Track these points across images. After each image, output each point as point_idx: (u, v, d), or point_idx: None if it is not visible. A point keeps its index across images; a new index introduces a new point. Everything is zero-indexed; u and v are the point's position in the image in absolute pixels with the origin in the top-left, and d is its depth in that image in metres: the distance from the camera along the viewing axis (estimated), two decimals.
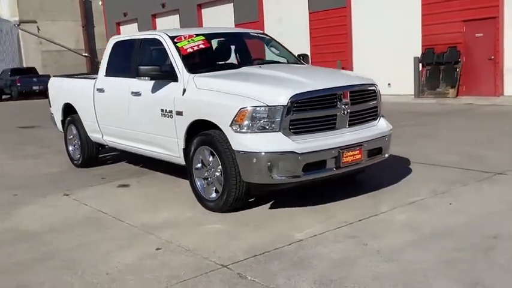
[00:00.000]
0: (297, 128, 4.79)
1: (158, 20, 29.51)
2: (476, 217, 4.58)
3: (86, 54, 36.73)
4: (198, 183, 5.32)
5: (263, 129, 4.72)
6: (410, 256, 3.81)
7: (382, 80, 16.96)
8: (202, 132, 5.15)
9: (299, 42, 20.21)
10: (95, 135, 7.36)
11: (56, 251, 4.40)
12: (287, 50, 6.70)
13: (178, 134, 5.46)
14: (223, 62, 6.19)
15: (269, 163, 4.67)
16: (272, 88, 4.89)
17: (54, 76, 9.21)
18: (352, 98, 5.07)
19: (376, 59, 17.46)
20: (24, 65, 34.27)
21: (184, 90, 5.41)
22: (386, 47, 17.06)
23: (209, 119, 5.05)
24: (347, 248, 4.03)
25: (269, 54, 6.81)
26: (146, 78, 5.65)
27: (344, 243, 4.15)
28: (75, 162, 7.99)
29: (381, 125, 5.43)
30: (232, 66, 5.81)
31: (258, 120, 4.70)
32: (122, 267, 3.94)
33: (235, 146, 4.78)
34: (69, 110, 7.93)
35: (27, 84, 29.40)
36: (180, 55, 5.69)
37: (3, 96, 29.70)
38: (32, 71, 31.42)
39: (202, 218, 5.02)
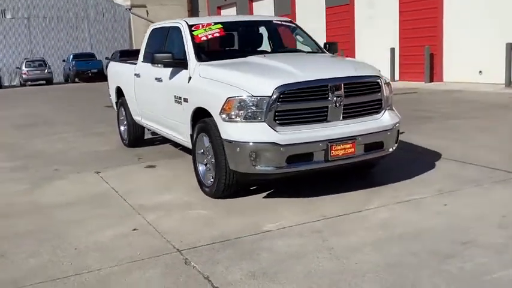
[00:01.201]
0: (283, 119, 4.77)
1: (255, 4, 29.87)
2: (461, 221, 4.30)
3: None
4: (200, 169, 5.49)
5: (249, 119, 4.76)
6: (361, 256, 3.71)
7: (472, 67, 16.21)
8: (201, 120, 5.30)
9: (386, 27, 19.57)
10: (136, 118, 7.79)
11: (51, 225, 4.80)
12: (311, 38, 6.60)
13: (186, 119, 5.65)
14: (232, 51, 6.25)
15: (252, 153, 4.71)
16: (259, 78, 4.90)
17: (111, 60, 9.78)
18: (347, 90, 4.94)
19: (467, 44, 16.41)
20: (134, 47, 36.40)
21: (189, 78, 5.58)
22: (479, 32, 15.94)
23: (205, 107, 5.18)
24: (304, 243, 4.00)
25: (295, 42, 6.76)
26: (160, 65, 5.88)
27: (305, 237, 4.12)
28: (124, 141, 8.52)
29: (384, 119, 5.22)
30: (239, 55, 5.84)
31: (244, 110, 4.76)
32: (91, 244, 4.23)
33: (223, 135, 4.88)
34: (120, 93, 8.43)
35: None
36: (193, 43, 5.86)
37: None
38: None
39: (194, 203, 5.19)
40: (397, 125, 5.32)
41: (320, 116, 4.88)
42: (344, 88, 4.91)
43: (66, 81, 33.51)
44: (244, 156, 4.75)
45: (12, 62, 34.86)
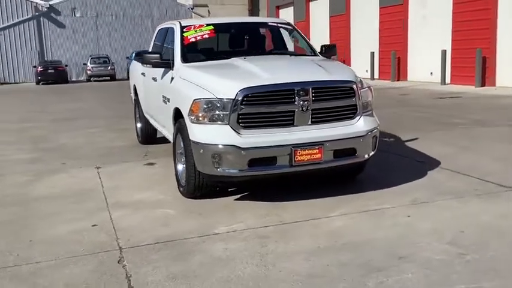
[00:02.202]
0: (247, 122, 4.76)
1: (312, 4, 29.68)
2: (414, 234, 4.13)
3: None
4: (179, 168, 5.57)
5: (214, 121, 4.80)
6: (289, 264, 3.65)
7: None
8: (178, 120, 5.38)
9: (439, 28, 18.91)
10: (146, 115, 8.00)
11: (26, 216, 5.04)
12: (306, 40, 6.52)
13: (170, 119, 5.76)
14: (219, 52, 6.27)
15: (214, 155, 4.74)
16: (225, 81, 4.91)
17: (134, 59, 10.06)
18: (316, 94, 4.85)
19: None
20: None
21: (172, 79, 5.68)
22: None
23: (179, 108, 5.26)
24: (242, 248, 3.99)
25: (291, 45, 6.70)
26: (149, 65, 6.02)
27: (247, 242, 4.10)
28: (138, 138, 8.77)
29: (359, 125, 5.08)
30: (224, 57, 5.85)
31: (209, 112, 4.79)
32: (47, 237, 4.41)
33: (190, 136, 4.95)
34: (136, 91, 8.68)
35: None
36: (181, 44, 5.95)
37: None
38: None
39: (166, 202, 5.28)
40: (374, 131, 5.17)
41: (286, 120, 4.83)
42: (313, 92, 4.83)
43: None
44: (208, 158, 4.78)
45: (79, 58, 36.56)
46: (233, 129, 4.73)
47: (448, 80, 18.60)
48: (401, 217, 4.55)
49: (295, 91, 4.78)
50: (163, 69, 6.12)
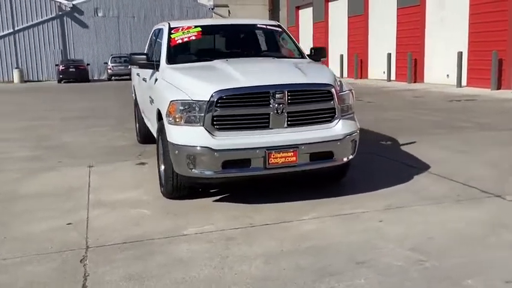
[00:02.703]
0: (222, 124, 4.78)
1: (331, 4, 29.53)
2: (380, 239, 4.09)
3: None
4: (161, 169, 5.61)
5: (189, 123, 4.82)
6: (247, 267, 3.65)
7: None
8: (160, 121, 5.43)
9: (456, 30, 18.64)
10: (142, 115, 8.07)
11: (8, 213, 5.13)
12: (294, 43, 6.50)
13: (154, 120, 5.81)
14: (203, 54, 6.27)
15: (188, 156, 4.77)
16: (200, 83, 4.93)
17: None
18: (292, 97, 4.83)
19: None
20: None
21: (156, 80, 5.73)
22: None
23: (160, 109, 5.30)
24: (206, 250, 4.00)
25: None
26: (136, 66, 6.08)
27: (212, 244, 4.11)
28: (138, 138, 8.86)
29: (336, 128, 5.04)
30: (207, 59, 5.86)
31: (185, 114, 4.82)
32: (21, 234, 4.49)
33: (167, 137, 4.98)
34: (135, 91, 8.78)
35: None
36: (167, 46, 6.00)
37: None
38: None
39: (146, 202, 5.32)
40: (353, 134, 5.13)
41: (261, 123, 4.82)
42: (288, 95, 4.81)
43: None
44: (183, 159, 4.81)
45: (101, 57, 37.06)
46: (208, 131, 4.75)
47: (464, 82, 18.32)
48: (373, 222, 4.50)
49: (270, 94, 4.77)
50: (151, 70, 6.18)
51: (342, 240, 4.11)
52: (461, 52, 18.12)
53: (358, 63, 25.77)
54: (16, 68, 35.00)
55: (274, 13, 38.55)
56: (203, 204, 5.19)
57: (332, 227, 4.42)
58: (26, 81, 35.28)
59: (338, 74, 27.45)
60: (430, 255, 3.75)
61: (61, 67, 32.89)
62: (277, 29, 6.78)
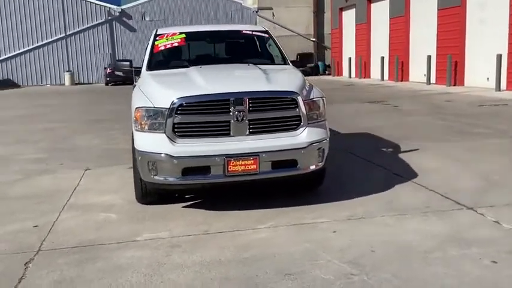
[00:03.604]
0: (183, 131, 4.82)
1: (373, 5, 29.03)
2: (322, 250, 4.01)
3: (314, 39, 38.17)
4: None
5: (152, 130, 4.89)
6: (176, 276, 3.67)
7: None
8: None
9: (496, 32, 17.95)
10: None
11: None
12: (279, 49, 6.47)
13: None
14: (183, 61, 6.32)
15: (149, 163, 4.84)
16: (164, 90, 4.99)
17: None
18: (253, 105, 4.82)
19: None
20: None
21: (134, 86, 5.84)
22: None
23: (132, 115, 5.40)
24: (147, 256, 4.04)
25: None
26: (120, 72, 6.21)
27: (156, 251, 4.15)
28: None
29: (301, 136, 4.98)
30: (185, 66, 5.90)
31: (148, 120, 4.90)
32: None
33: (134, 143, 5.07)
34: None
35: None
36: (150, 52, 6.11)
37: None
38: None
39: (118, 206, 5.43)
40: (320, 142, 5.04)
41: (222, 130, 4.83)
42: (249, 103, 4.80)
43: None
44: (144, 166, 4.89)
45: None
46: (169, 138, 4.80)
47: (503, 86, 17.60)
48: (327, 232, 4.43)
49: (230, 101, 4.77)
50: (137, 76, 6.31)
51: (285, 250, 4.06)
52: (501, 55, 17.41)
53: (398, 65, 25.20)
54: (67, 71, 36.31)
55: (318, 15, 38.25)
56: (171, 210, 5.24)
57: (282, 237, 4.38)
58: (76, 84, 36.54)
59: (378, 77, 26.97)
60: (364, 269, 3.65)
61: (108, 70, 33.85)
62: (263, 35, 6.76)
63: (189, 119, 4.81)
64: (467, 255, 3.82)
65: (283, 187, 5.71)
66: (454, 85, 20.69)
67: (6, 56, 35.95)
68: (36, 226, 4.89)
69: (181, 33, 6.35)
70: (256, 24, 38.04)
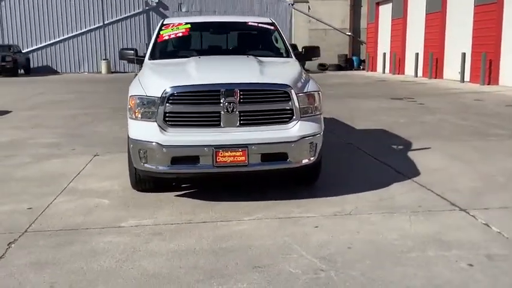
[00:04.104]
0: (173, 120, 4.85)
1: (410, 0, 28.46)
2: (296, 245, 3.96)
3: (350, 34, 37.71)
4: None
5: (145, 118, 4.94)
6: (147, 263, 3.70)
7: None
8: None
9: None
10: None
11: None
12: (283, 42, 6.42)
13: None
14: (185, 51, 6.32)
15: (140, 151, 4.89)
16: (158, 79, 5.03)
17: None
18: (244, 96, 4.80)
19: None
20: (293, 42, 37.22)
21: (135, 75, 5.90)
22: None
23: None
24: (125, 242, 4.09)
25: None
26: (125, 61, 6.29)
27: (136, 238, 4.20)
28: None
29: (293, 129, 4.93)
30: (186, 56, 5.92)
31: (141, 109, 4.95)
32: None
33: (128, 131, 5.13)
34: None
35: None
36: (154, 41, 6.17)
37: None
38: (294, 47, 34.24)
39: (114, 192, 5.51)
40: (312, 136, 4.98)
41: (212, 121, 4.84)
42: (240, 94, 4.79)
43: None
44: (135, 153, 4.94)
45: None
46: (160, 127, 4.83)
47: None
48: (308, 227, 4.39)
49: (221, 92, 4.76)
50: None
51: (262, 243, 4.05)
52: None
53: (432, 62, 24.66)
54: (104, 59, 36.97)
55: (355, 9, 37.73)
56: (163, 198, 5.29)
57: (264, 229, 4.36)
58: (112, 72, 37.16)
59: (412, 73, 26.47)
60: (334, 265, 3.61)
61: None
62: (269, 27, 6.72)
63: (180, 109, 4.83)
64: (444, 257, 3.72)
65: (279, 180, 5.68)
66: (488, 84, 20.13)
67: (47, 43, 36.82)
68: (30, 208, 5.01)
69: (186, 23, 6.37)
70: (291, 17, 37.90)
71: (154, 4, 37.68)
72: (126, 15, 37.53)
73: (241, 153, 4.78)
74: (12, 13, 36.47)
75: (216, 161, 4.77)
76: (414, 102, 14.45)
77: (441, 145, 7.87)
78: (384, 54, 30.98)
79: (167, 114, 4.82)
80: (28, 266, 3.67)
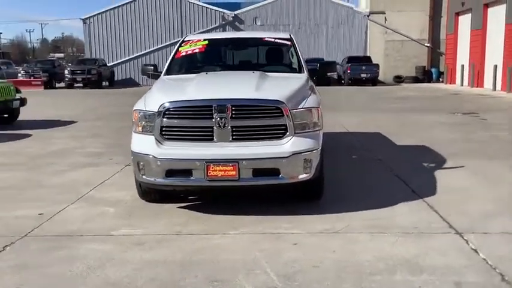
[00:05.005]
0: (169, 134, 5.02)
1: (490, 10, 27.19)
2: (265, 261, 3.97)
3: (428, 45, 36.57)
4: None
5: (145, 132, 5.15)
6: (111, 271, 3.85)
7: None
8: None
9: None
10: None
11: (6, 199, 5.97)
12: (297, 58, 6.41)
13: None
14: (198, 67, 6.45)
15: (138, 163, 5.11)
16: (158, 95, 5.23)
17: None
18: (237, 112, 4.88)
19: None
20: (368, 54, 36.72)
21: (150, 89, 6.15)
22: None
23: None
24: (105, 250, 4.27)
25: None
26: (146, 76, 6.58)
27: (118, 246, 4.37)
28: None
29: (286, 145, 4.93)
30: (199, 71, 6.08)
31: (142, 122, 5.17)
32: None
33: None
34: None
35: (357, 72, 31.86)
36: (172, 57, 6.40)
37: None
38: (368, 59, 33.83)
39: (124, 202, 5.74)
40: (307, 153, 4.96)
41: (205, 135, 4.95)
42: (233, 110, 4.87)
43: None
44: (135, 165, 5.16)
45: None
46: (157, 140, 5.02)
47: None
48: (287, 243, 4.37)
49: (213, 107, 4.87)
50: None
51: (233, 257, 4.09)
52: None
53: (511, 75, 23.34)
54: None
55: (434, 20, 36.54)
56: (166, 209, 5.45)
57: (241, 244, 4.39)
58: None
59: (491, 86, 25.19)
60: (292, 284, 3.59)
61: None
62: (285, 42, 6.74)
63: (175, 123, 4.99)
64: (409, 282, 3.59)
65: (282, 197, 5.68)
66: None
67: (129, 57, 38.78)
68: (41, 214, 5.35)
69: (205, 39, 6.55)
70: (367, 28, 37.38)
71: (231, 19, 38.60)
72: (204, 29, 38.66)
73: (231, 167, 4.85)
74: (99, 30, 38.84)
75: (208, 175, 4.87)
76: (476, 117, 13.79)
77: (478, 164, 7.49)
78: (462, 66, 29.74)
79: (163, 128, 5.00)
80: (9, 268, 3.95)
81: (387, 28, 36.88)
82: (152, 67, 6.51)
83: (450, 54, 33.01)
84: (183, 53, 6.45)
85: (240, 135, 4.92)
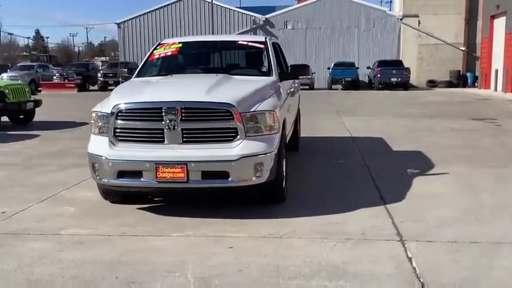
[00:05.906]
0: (122, 136, 5.07)
1: None
2: (189, 264, 3.96)
3: (463, 49, 35.68)
4: None
5: (101, 133, 5.22)
6: (40, 270, 3.92)
7: None
8: None
9: None
10: None
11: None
12: (269, 61, 6.34)
13: None
14: (168, 70, 6.46)
15: (92, 164, 5.18)
16: (114, 96, 5.28)
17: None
18: (186, 115, 4.88)
19: None
20: (401, 58, 36.15)
21: None
22: None
23: None
24: (42, 249, 4.34)
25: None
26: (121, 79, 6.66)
27: (57, 246, 4.44)
28: None
29: (234, 149, 4.90)
30: (165, 74, 6.12)
31: (97, 124, 5.25)
32: None
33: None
34: None
35: (387, 76, 31.40)
36: (145, 60, 6.47)
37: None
38: (399, 63, 33.31)
39: (89, 202, 5.83)
40: (261, 155, 4.92)
41: (156, 137, 4.97)
42: (182, 112, 4.88)
43: (330, 88, 35.15)
44: (90, 166, 5.24)
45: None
46: (110, 142, 5.08)
47: None
48: (223, 247, 4.34)
49: (163, 110, 4.89)
50: None
51: (163, 259, 4.08)
52: None
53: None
54: None
55: (470, 23, 35.64)
56: (125, 209, 5.50)
57: (178, 246, 4.39)
58: None
59: None
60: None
61: None
62: (258, 45, 6.67)
63: (127, 125, 5.03)
64: (321, 287, 3.50)
65: (253, 200, 5.61)
66: None
67: None
68: (3, 212, 5.48)
69: (179, 42, 6.59)
70: (399, 32, 36.78)
71: (262, 22, 38.72)
72: (236, 33, 38.84)
73: (180, 169, 4.85)
74: (132, 34, 39.59)
75: (157, 177, 4.89)
76: (493, 123, 13.36)
77: (463, 172, 7.24)
78: (496, 71, 28.89)
79: (116, 130, 5.05)
80: None
81: (421, 31, 36.20)
82: (125, 69, 6.58)
83: (485, 58, 32.12)
84: (156, 56, 6.51)
85: (190, 137, 4.93)
